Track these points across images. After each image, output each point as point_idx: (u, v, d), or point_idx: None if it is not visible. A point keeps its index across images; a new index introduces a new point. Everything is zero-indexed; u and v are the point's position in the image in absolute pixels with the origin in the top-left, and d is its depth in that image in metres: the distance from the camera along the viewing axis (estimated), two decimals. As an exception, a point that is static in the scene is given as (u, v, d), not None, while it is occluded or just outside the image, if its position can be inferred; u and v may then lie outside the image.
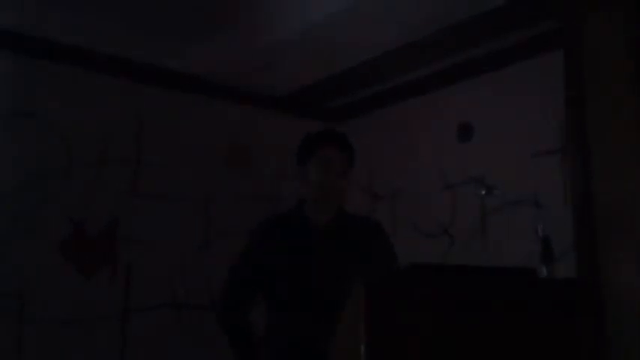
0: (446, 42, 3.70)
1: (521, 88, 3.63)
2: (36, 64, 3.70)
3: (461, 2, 3.29)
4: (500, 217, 3.66)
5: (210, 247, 4.16)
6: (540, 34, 3.49)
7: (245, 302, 2.29)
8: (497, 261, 3.16)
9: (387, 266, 2.23)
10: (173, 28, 3.89)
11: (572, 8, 2.63)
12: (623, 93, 2.43)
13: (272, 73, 4.25)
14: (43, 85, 3.71)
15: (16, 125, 3.62)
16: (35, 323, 3.47)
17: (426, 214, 4.10)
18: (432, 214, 4.06)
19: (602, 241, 2.40)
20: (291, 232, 2.26)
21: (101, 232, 3.81)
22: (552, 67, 3.13)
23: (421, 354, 1.52)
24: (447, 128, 4.04)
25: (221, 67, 4.15)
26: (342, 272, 2.09)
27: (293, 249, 2.22)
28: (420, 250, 3.91)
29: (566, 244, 2.76)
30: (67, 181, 3.72)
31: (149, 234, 3.90)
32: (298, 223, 2.27)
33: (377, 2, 3.33)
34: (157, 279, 3.92)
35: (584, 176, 2.49)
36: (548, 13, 3.22)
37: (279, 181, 4.46)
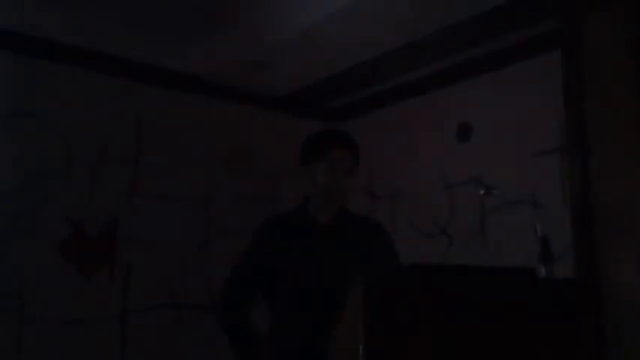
0: (446, 42, 3.70)
1: (521, 88, 3.63)
2: (36, 64, 3.70)
3: (461, 2, 3.29)
4: (499, 217, 3.66)
5: (210, 247, 4.16)
6: (540, 34, 3.49)
7: (245, 302, 2.29)
8: (496, 261, 3.16)
9: (387, 266, 2.23)
10: (173, 28, 3.89)
11: (572, 8, 2.63)
12: (623, 93, 2.43)
13: (272, 73, 4.25)
14: (43, 85, 3.71)
15: (16, 125, 3.62)
16: (35, 323, 3.47)
17: (425, 214, 4.10)
18: (431, 214, 4.06)
19: (602, 241, 2.40)
20: (294, 232, 2.26)
21: (101, 232, 3.81)
22: (552, 67, 3.13)
23: (420, 354, 1.52)
24: (446, 128, 4.04)
25: (221, 67, 4.15)
26: (341, 272, 2.09)
27: (294, 249, 2.22)
28: (419, 250, 3.90)
29: (565, 244, 2.76)
30: (66, 181, 3.72)
31: (149, 234, 3.90)
32: (302, 223, 2.27)
33: (377, 2, 3.33)
34: (157, 279, 3.92)
35: (583, 176, 2.49)
36: (548, 13, 3.22)
37: (279, 181, 4.46)
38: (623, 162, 2.39)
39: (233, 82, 4.34)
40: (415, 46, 3.77)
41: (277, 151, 4.47)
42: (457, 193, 3.95)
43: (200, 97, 4.28)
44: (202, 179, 4.22)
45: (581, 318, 1.72)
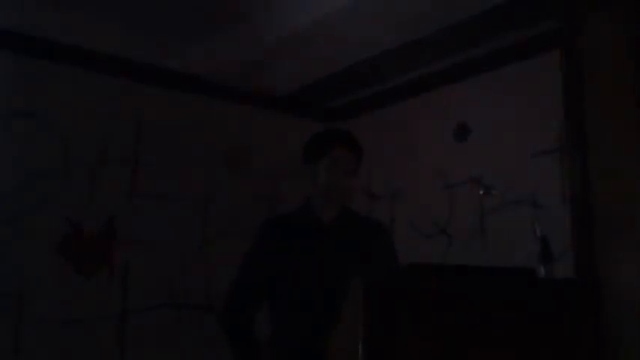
0: (446, 41, 3.70)
1: (520, 87, 3.63)
2: (36, 64, 3.70)
3: (461, 2, 3.29)
4: (499, 217, 3.66)
5: (209, 247, 4.16)
6: (540, 34, 3.49)
7: (251, 305, 2.29)
8: (496, 261, 3.16)
9: (386, 267, 2.23)
10: (173, 28, 3.89)
11: (572, 8, 2.63)
12: (623, 93, 2.43)
13: (272, 73, 4.25)
14: (43, 85, 3.71)
15: (16, 125, 3.62)
16: (35, 323, 3.47)
17: (425, 214, 4.09)
18: (430, 214, 4.06)
19: (602, 241, 2.40)
20: (295, 232, 2.26)
21: (101, 232, 3.81)
22: (552, 67, 3.13)
23: (420, 354, 1.52)
24: (446, 128, 4.04)
25: (221, 67, 4.15)
26: (342, 272, 2.09)
27: (296, 249, 2.22)
28: (418, 250, 3.91)
29: (564, 244, 2.76)
30: (66, 181, 3.72)
31: (149, 234, 3.90)
32: (304, 223, 2.27)
33: (377, 2, 3.33)
34: (157, 279, 3.92)
35: (583, 176, 2.49)
36: (548, 13, 3.22)
37: (279, 181, 4.46)
38: (623, 162, 2.39)
39: (233, 82, 4.34)
40: (415, 46, 3.77)
41: (277, 151, 4.47)
42: (457, 193, 3.95)
43: (200, 97, 4.28)
44: (202, 179, 4.22)
45: (581, 318, 1.72)
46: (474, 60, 3.89)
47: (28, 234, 3.53)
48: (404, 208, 4.27)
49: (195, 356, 3.88)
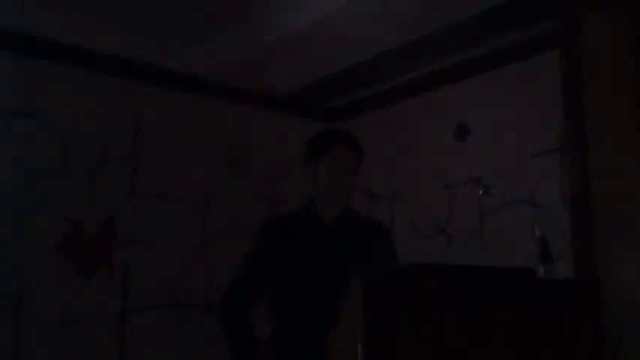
0: (445, 41, 3.70)
1: (520, 87, 3.63)
2: (36, 64, 3.70)
3: (461, 1, 3.29)
4: (498, 217, 3.66)
5: (209, 247, 4.16)
6: (540, 34, 3.49)
7: (248, 304, 2.29)
8: (495, 261, 3.16)
9: (386, 267, 2.24)
10: (173, 28, 3.89)
11: (572, 8, 2.63)
12: (623, 93, 2.43)
13: (272, 73, 4.25)
14: (43, 85, 3.71)
15: (16, 125, 3.62)
16: (35, 323, 3.47)
17: (425, 214, 4.10)
18: (430, 214, 4.06)
19: (602, 241, 2.40)
20: (296, 232, 2.26)
21: (100, 232, 3.81)
22: (552, 67, 3.13)
23: (420, 354, 1.52)
24: (446, 128, 4.04)
25: (221, 67, 4.15)
26: (342, 272, 2.09)
27: (296, 249, 2.23)
28: (418, 250, 3.91)
29: (564, 245, 2.76)
30: (66, 181, 3.72)
31: (148, 234, 3.90)
32: (306, 223, 2.27)
33: (376, 2, 3.33)
34: (157, 279, 3.92)
35: (582, 176, 2.49)
36: (548, 13, 3.22)
37: (279, 181, 4.46)
38: (623, 162, 2.39)
39: (233, 82, 4.34)
40: (415, 46, 3.77)
41: (277, 151, 4.47)
42: (456, 193, 3.95)
43: (200, 97, 4.28)
44: (202, 179, 4.22)
45: (581, 318, 1.72)
46: (474, 60, 3.89)
47: (28, 234, 3.53)
48: (404, 208, 4.27)
49: (195, 356, 3.88)
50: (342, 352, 1.62)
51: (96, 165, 3.84)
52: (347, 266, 2.13)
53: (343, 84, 4.40)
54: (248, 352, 2.22)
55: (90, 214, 3.78)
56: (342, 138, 2.28)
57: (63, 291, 3.60)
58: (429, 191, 4.09)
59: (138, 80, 4.05)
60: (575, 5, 2.61)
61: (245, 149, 4.46)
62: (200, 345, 3.92)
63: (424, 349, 1.53)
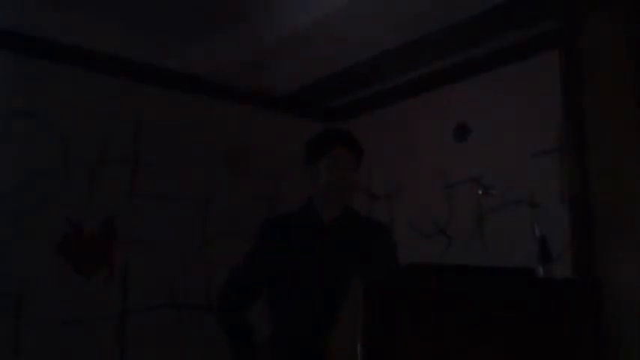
0: (445, 41, 3.70)
1: (520, 87, 3.63)
2: (36, 64, 3.70)
3: (461, 1, 3.29)
4: (498, 217, 3.66)
5: (209, 247, 4.16)
6: (540, 34, 3.49)
7: (245, 303, 2.30)
8: (495, 261, 3.16)
9: (386, 267, 2.23)
10: (173, 28, 3.89)
11: (572, 8, 2.63)
12: (623, 93, 2.43)
13: (272, 73, 4.25)
14: (43, 85, 3.71)
15: (16, 125, 3.62)
16: (35, 323, 3.47)
17: (424, 214, 4.09)
18: (430, 214, 4.06)
19: (602, 241, 2.40)
20: (297, 232, 2.27)
21: (100, 232, 3.81)
22: (552, 67, 3.13)
23: (420, 354, 1.52)
24: (445, 128, 4.04)
25: (221, 67, 4.15)
26: (342, 272, 2.09)
27: (296, 249, 2.23)
28: (417, 250, 3.91)
29: (564, 245, 2.76)
30: (66, 181, 3.72)
31: (148, 234, 3.90)
32: (306, 223, 2.28)
33: (376, 2, 3.33)
34: (157, 279, 3.92)
35: (582, 176, 2.49)
36: (548, 13, 3.22)
37: (279, 181, 4.46)
38: (623, 162, 2.39)
39: (233, 82, 4.34)
40: (415, 46, 3.77)
41: (277, 151, 4.47)
42: (456, 193, 3.95)
43: (200, 97, 4.28)
44: (202, 179, 4.22)
45: (581, 318, 1.72)
46: (474, 60, 3.89)
47: (28, 234, 3.53)
48: (403, 208, 4.27)
49: (195, 356, 3.88)
50: (342, 352, 1.62)
51: (96, 165, 3.84)
52: (347, 266, 2.13)
53: (343, 84, 4.40)
54: (246, 351, 2.22)
55: (90, 214, 3.78)
56: (342, 138, 2.28)
57: (63, 291, 3.60)
58: (428, 191, 4.09)
59: (138, 80, 4.05)
60: (575, 5, 2.61)
61: (245, 149, 4.46)
62: (200, 345, 3.92)
63: (424, 349, 1.53)
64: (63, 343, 3.53)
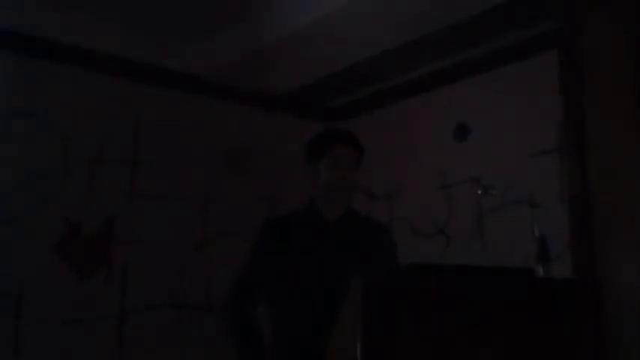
0: (445, 41, 3.70)
1: (520, 87, 3.63)
2: (36, 64, 3.70)
3: (461, 1, 3.29)
4: (497, 217, 3.66)
5: (209, 247, 4.16)
6: (540, 34, 3.49)
7: (253, 302, 2.29)
8: (494, 261, 3.16)
9: (387, 268, 2.23)
10: (173, 28, 3.90)
11: (572, 8, 2.64)
12: (623, 93, 2.44)
13: (272, 73, 4.25)
14: (43, 85, 3.71)
15: (16, 125, 3.62)
16: (35, 323, 3.47)
17: (424, 213, 4.09)
18: (429, 214, 4.06)
19: (602, 241, 2.40)
20: (298, 232, 2.26)
21: (100, 232, 3.81)
22: (551, 67, 3.13)
23: (420, 354, 1.52)
24: (445, 128, 4.04)
25: (221, 67, 4.15)
26: (342, 272, 2.09)
27: (296, 249, 2.23)
28: (416, 250, 3.90)
29: (563, 245, 2.76)
30: (66, 181, 3.72)
31: (148, 234, 3.90)
32: (308, 223, 2.27)
33: (376, 2, 3.34)
34: (156, 279, 3.91)
35: (581, 176, 2.49)
36: (548, 13, 3.22)
37: (278, 181, 4.46)
38: (623, 162, 2.39)
39: (233, 82, 4.34)
40: (415, 46, 3.77)
41: (277, 151, 4.47)
42: (456, 192, 3.95)
43: (200, 97, 4.28)
44: (202, 179, 4.22)
45: (581, 318, 1.72)
46: (474, 60, 3.89)
47: (27, 234, 3.53)
48: (403, 207, 4.27)
49: (195, 356, 3.88)
50: (342, 353, 1.62)
51: (96, 165, 3.84)
52: (347, 266, 2.13)
53: (343, 84, 4.40)
54: (256, 351, 2.21)
55: (90, 214, 3.78)
56: (342, 137, 2.28)
57: (63, 291, 3.60)
58: (428, 191, 4.09)
59: (138, 80, 4.05)
60: (575, 5, 2.61)
61: (245, 149, 4.46)
62: (200, 345, 3.92)
63: (424, 349, 1.53)
64: (63, 343, 3.53)
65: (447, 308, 1.58)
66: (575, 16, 2.60)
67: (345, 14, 3.42)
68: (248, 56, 4.01)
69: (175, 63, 4.17)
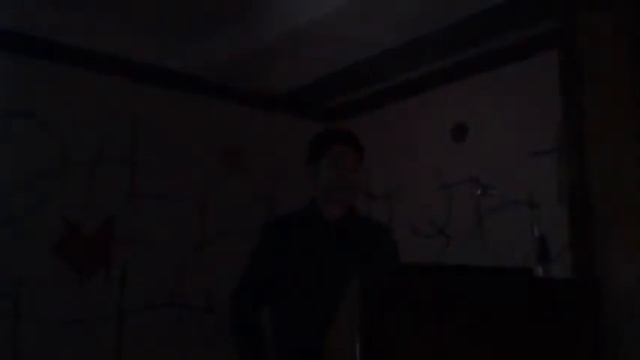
0: (445, 41, 3.70)
1: (520, 87, 3.63)
2: (36, 64, 3.70)
3: (461, 1, 3.29)
4: (497, 217, 3.66)
5: (209, 247, 4.16)
6: (540, 34, 3.50)
7: (258, 303, 2.29)
8: (493, 261, 3.16)
9: (385, 267, 2.23)
10: (173, 28, 3.90)
11: (572, 8, 2.64)
12: (623, 93, 2.44)
13: (272, 73, 4.25)
14: (43, 85, 3.71)
15: (16, 125, 3.62)
16: (34, 323, 3.47)
17: (423, 213, 4.09)
18: (428, 214, 4.06)
19: (602, 241, 2.40)
20: (298, 232, 2.26)
21: (99, 232, 3.81)
22: (551, 67, 3.13)
23: (420, 354, 1.52)
24: (445, 128, 4.04)
25: (221, 67, 4.15)
26: (342, 272, 2.09)
27: (297, 249, 2.23)
28: (416, 250, 3.91)
29: (563, 245, 2.76)
30: (65, 181, 3.72)
31: (147, 234, 3.90)
32: (308, 223, 2.27)
33: (376, 2, 3.34)
34: (156, 279, 3.91)
35: (581, 176, 2.49)
36: (548, 13, 3.22)
37: (278, 181, 4.46)
38: (622, 162, 2.39)
39: (233, 82, 4.34)
40: (415, 46, 3.77)
41: (277, 151, 4.47)
42: (455, 192, 3.95)
43: (200, 97, 4.27)
44: (202, 179, 4.22)
45: (581, 318, 1.72)
46: (473, 60, 3.90)
47: (27, 234, 3.53)
48: (402, 207, 4.27)
49: (195, 356, 3.88)
50: (340, 352, 1.62)
51: (95, 165, 3.84)
52: (347, 266, 2.13)
53: (343, 84, 4.40)
54: (257, 352, 2.21)
55: (89, 214, 3.77)
56: (341, 137, 2.29)
57: (62, 291, 3.60)
58: (427, 191, 4.09)
59: (138, 80, 4.04)
60: (575, 5, 2.61)
61: (244, 149, 4.46)
62: (200, 345, 3.92)
63: (423, 349, 1.53)
64: (62, 343, 3.53)
65: (446, 308, 1.58)
66: (575, 16, 2.60)
67: (345, 14, 3.42)
68: (248, 56, 4.01)
69: (175, 63, 4.17)
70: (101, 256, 3.79)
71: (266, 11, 3.70)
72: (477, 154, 3.84)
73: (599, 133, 2.48)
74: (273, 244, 2.26)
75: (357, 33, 3.60)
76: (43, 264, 3.57)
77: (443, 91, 4.12)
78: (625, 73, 2.41)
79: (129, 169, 3.96)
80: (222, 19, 3.80)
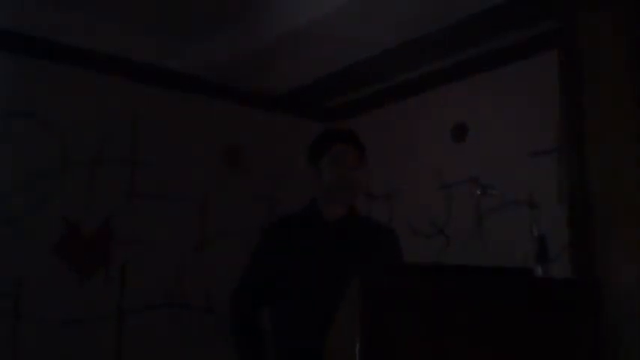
0: (445, 41, 3.70)
1: (520, 87, 3.63)
2: (36, 64, 3.70)
3: (461, 1, 3.29)
4: (496, 217, 3.66)
5: (208, 247, 4.15)
6: (540, 34, 3.50)
7: (258, 304, 2.29)
8: (493, 261, 3.16)
9: (385, 263, 2.23)
10: (173, 28, 3.89)
11: (572, 8, 2.63)
12: (623, 93, 2.44)
13: (272, 73, 4.25)
14: (43, 85, 3.71)
15: (16, 125, 3.62)
16: (34, 323, 3.47)
17: (423, 214, 4.09)
18: (428, 214, 4.06)
19: (602, 241, 2.40)
20: (299, 232, 2.26)
21: (99, 232, 3.81)
22: (551, 67, 3.13)
23: (420, 354, 1.52)
24: (445, 128, 4.04)
25: (221, 67, 4.15)
26: (341, 272, 2.09)
27: (297, 249, 2.23)
28: (416, 250, 3.90)
29: (562, 245, 2.76)
30: (65, 181, 3.72)
31: (147, 234, 3.90)
32: (309, 223, 2.27)
33: (376, 2, 3.34)
34: (156, 279, 3.91)
35: (581, 176, 2.49)
36: (548, 13, 3.22)
37: (278, 181, 4.46)
38: (622, 162, 2.39)
39: (233, 82, 4.34)
40: (415, 46, 3.77)
41: (277, 151, 4.47)
42: (455, 192, 3.95)
43: (200, 97, 4.27)
44: (202, 179, 4.22)
45: (581, 318, 1.72)
46: (473, 60, 3.89)
47: (27, 234, 3.53)
48: (402, 207, 4.27)
49: (195, 356, 3.88)
50: (340, 352, 1.62)
51: (95, 165, 3.84)
52: (348, 266, 2.13)
53: (343, 83, 4.40)
54: (257, 352, 2.21)
55: (89, 214, 3.77)
56: (341, 136, 2.29)
57: (62, 291, 3.60)
58: (427, 191, 4.09)
59: (137, 80, 4.05)
60: (575, 5, 2.61)
61: (244, 149, 4.46)
62: (200, 345, 3.92)
63: (424, 349, 1.53)
64: (62, 343, 3.53)
65: (446, 308, 1.58)
66: (575, 16, 2.60)
67: (345, 14, 3.42)
68: (248, 56, 4.01)
69: (175, 63, 4.17)
70: (101, 256, 3.79)
71: (266, 11, 3.70)
72: (477, 154, 3.83)
73: (599, 133, 2.48)
74: (273, 244, 2.26)
75: (357, 33, 3.60)
76: (43, 264, 3.57)
77: (443, 91, 4.11)
78: (625, 73, 2.41)
79: (129, 169, 3.96)
80: (222, 19, 3.80)
